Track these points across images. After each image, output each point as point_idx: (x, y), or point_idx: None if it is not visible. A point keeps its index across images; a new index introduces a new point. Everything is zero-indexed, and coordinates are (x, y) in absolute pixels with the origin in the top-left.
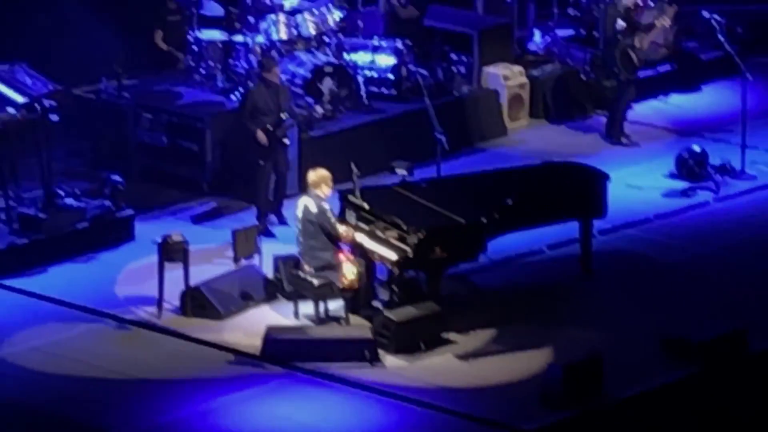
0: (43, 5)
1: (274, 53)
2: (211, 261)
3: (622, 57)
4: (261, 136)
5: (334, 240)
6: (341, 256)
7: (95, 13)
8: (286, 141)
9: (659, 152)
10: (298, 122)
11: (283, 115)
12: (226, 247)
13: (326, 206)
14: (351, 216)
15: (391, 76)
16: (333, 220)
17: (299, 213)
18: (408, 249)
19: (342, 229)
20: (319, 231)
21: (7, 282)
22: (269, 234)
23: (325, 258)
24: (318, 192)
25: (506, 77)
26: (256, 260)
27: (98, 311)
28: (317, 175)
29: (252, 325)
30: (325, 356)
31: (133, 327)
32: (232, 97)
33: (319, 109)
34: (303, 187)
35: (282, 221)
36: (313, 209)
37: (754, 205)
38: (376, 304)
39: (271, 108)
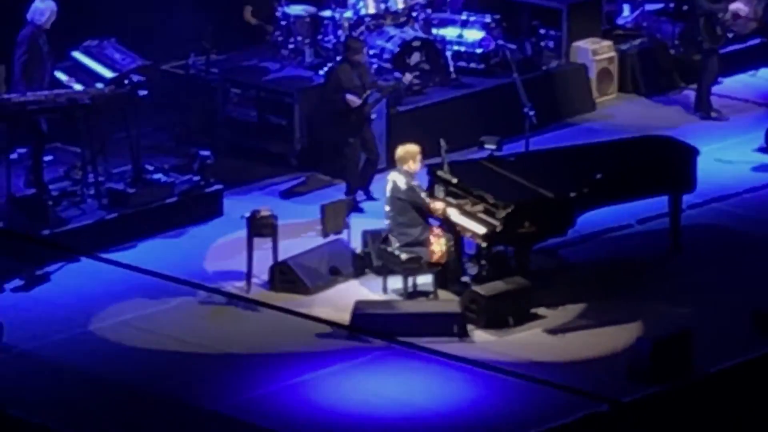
0: None
1: (362, 29)
2: (299, 236)
3: (706, 26)
4: (351, 98)
5: (425, 215)
6: (431, 232)
7: None
8: (373, 117)
9: (749, 126)
10: (385, 94)
11: (367, 93)
12: (314, 222)
13: (416, 182)
14: (440, 190)
15: (479, 51)
16: (424, 195)
17: (388, 189)
18: (496, 223)
19: (434, 204)
20: (408, 207)
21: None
22: (358, 209)
23: (414, 234)
24: (406, 167)
25: (595, 52)
26: (344, 235)
27: (190, 282)
28: (405, 150)
29: (340, 299)
30: (413, 331)
31: (222, 302)
32: (321, 72)
33: (407, 75)
34: (391, 162)
35: (369, 197)
36: (402, 185)
37: None
38: (464, 279)
39: (357, 85)
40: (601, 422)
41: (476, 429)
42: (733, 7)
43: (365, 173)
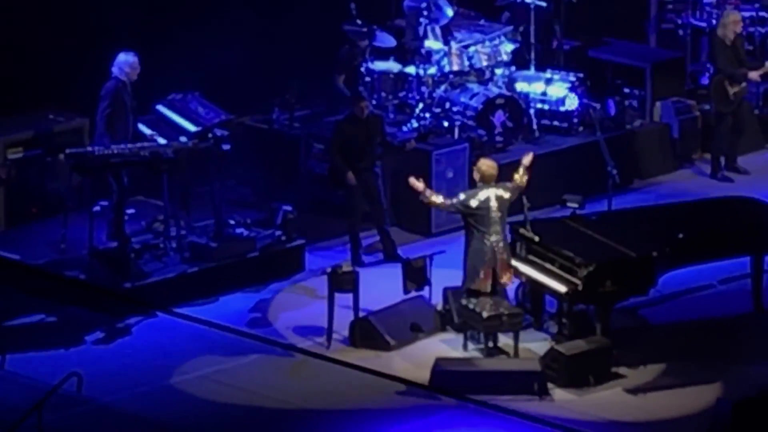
0: (220, 38)
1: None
2: (380, 291)
3: (716, 88)
4: (351, 178)
5: None
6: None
7: (271, 46)
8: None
9: None
10: (392, 151)
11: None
12: (395, 278)
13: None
14: (521, 248)
15: (562, 109)
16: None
17: (494, 206)
18: (578, 282)
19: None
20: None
21: (178, 310)
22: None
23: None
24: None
25: (679, 111)
26: (425, 291)
27: (268, 339)
28: (495, 167)
29: (421, 356)
30: (493, 389)
31: (302, 357)
32: (404, 128)
33: (412, 141)
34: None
35: (392, 257)
36: (507, 195)
37: None
38: (545, 336)
39: (360, 142)
40: None
41: None
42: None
43: (378, 228)
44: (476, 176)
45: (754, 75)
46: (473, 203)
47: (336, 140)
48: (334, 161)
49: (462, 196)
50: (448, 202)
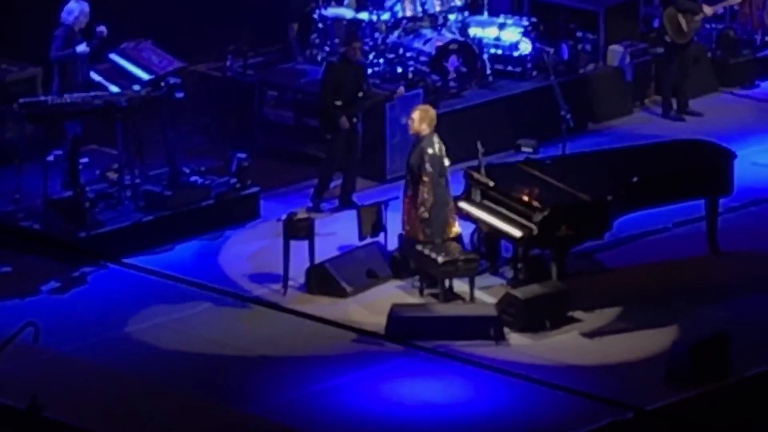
0: None
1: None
2: (336, 238)
3: (670, 19)
4: (344, 122)
5: None
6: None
7: None
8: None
9: None
10: (375, 102)
11: (360, 95)
12: (351, 225)
13: None
14: (476, 193)
15: (516, 54)
16: None
17: (444, 151)
18: (533, 226)
19: None
20: None
21: (133, 259)
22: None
23: None
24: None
25: (632, 54)
26: (381, 237)
27: (220, 289)
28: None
29: (377, 302)
30: (449, 334)
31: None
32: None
33: (401, 88)
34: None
35: (347, 204)
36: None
37: None
38: (501, 281)
39: (351, 86)
40: (625, 429)
41: None
42: None
43: (346, 175)
44: (423, 126)
45: (708, 10)
46: (440, 158)
47: (328, 82)
48: (326, 103)
49: (432, 163)
50: (433, 183)
